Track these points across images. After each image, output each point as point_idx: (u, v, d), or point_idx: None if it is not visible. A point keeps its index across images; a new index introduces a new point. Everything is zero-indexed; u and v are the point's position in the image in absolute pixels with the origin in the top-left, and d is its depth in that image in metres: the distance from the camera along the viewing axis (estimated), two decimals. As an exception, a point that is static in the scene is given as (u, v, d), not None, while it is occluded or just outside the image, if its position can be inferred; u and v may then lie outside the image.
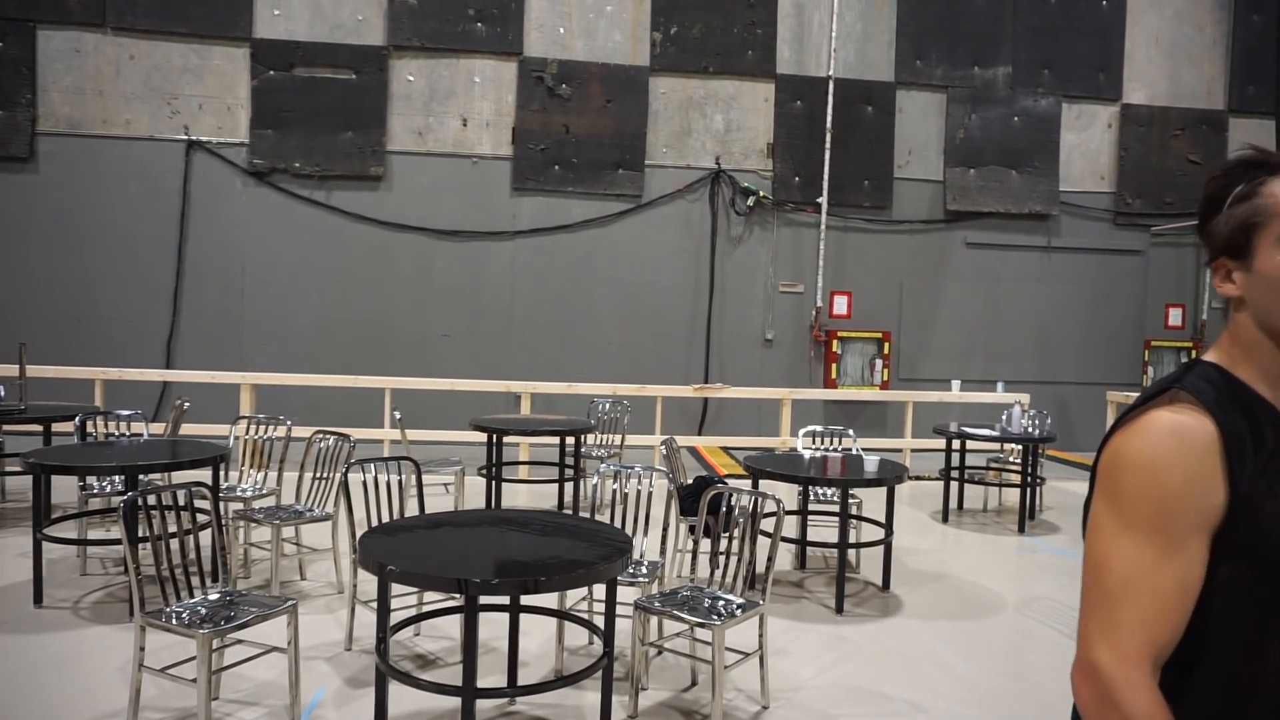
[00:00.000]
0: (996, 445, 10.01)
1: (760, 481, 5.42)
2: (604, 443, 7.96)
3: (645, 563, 4.39)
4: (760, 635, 3.93)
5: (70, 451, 4.93)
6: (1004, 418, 7.50)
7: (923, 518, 7.73)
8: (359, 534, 5.85)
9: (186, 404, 6.59)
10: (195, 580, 4.91)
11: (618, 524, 5.90)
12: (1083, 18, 11.59)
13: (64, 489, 7.45)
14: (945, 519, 7.64)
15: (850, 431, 6.66)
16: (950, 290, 11.62)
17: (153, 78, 10.35)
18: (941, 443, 9.74)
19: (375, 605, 4.69)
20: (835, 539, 5.34)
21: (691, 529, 5.63)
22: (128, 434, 6.05)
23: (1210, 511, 1.19)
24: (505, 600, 4.02)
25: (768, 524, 6.19)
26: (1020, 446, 8.52)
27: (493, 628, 4.70)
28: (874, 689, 4.17)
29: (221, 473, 5.50)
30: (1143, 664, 1.18)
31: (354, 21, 10.52)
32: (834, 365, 11.21)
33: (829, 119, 11.07)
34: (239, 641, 3.89)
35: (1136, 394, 10.17)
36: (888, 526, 5.54)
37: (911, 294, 11.55)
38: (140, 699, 3.67)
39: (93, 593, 5.08)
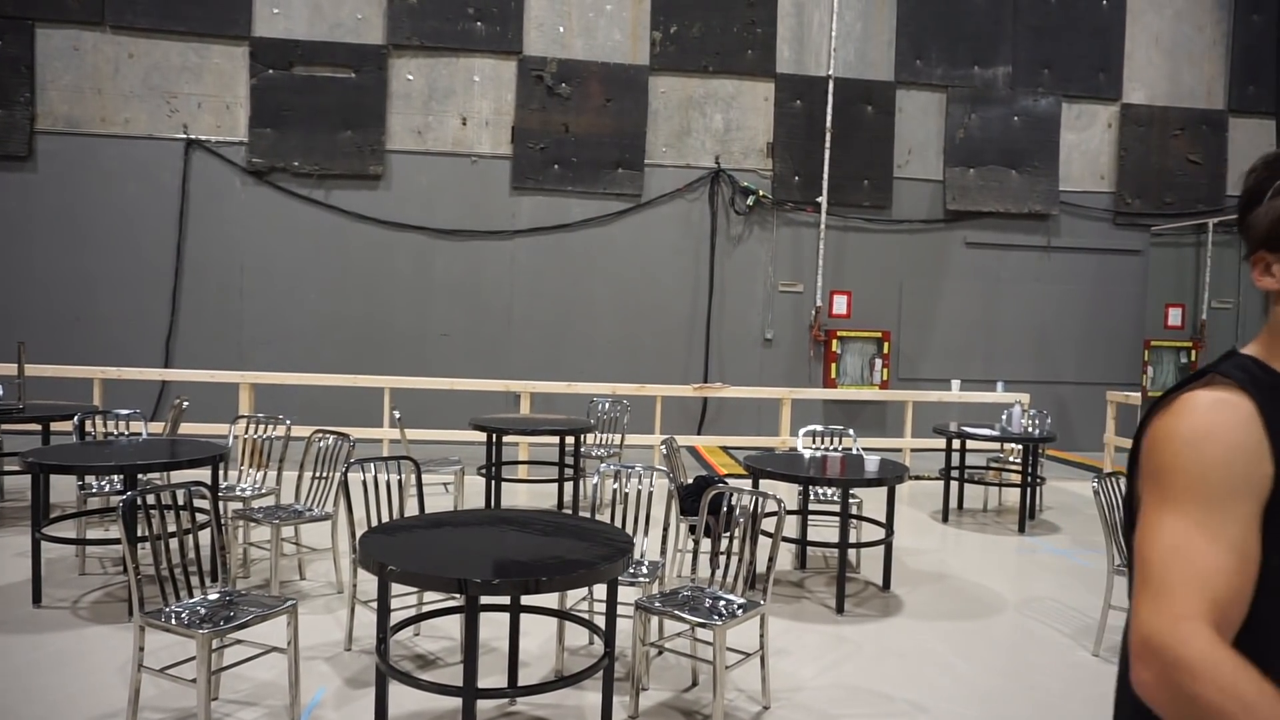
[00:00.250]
0: (996, 445, 10.01)
1: (760, 481, 5.40)
2: (604, 442, 7.95)
3: (646, 563, 4.38)
4: (761, 635, 3.92)
5: (69, 451, 4.91)
6: (1004, 417, 7.50)
7: (923, 518, 7.72)
8: (359, 534, 5.84)
9: (185, 403, 6.58)
10: (194, 580, 4.90)
11: (618, 524, 5.89)
12: (1083, 17, 11.58)
13: (62, 488, 7.44)
14: (945, 519, 7.63)
15: (850, 431, 6.66)
16: (950, 290, 11.62)
17: (152, 76, 10.33)
18: (941, 442, 9.74)
19: (375, 605, 4.68)
20: (835, 539, 5.34)
21: (692, 529, 5.63)
22: (127, 433, 6.04)
23: (1257, 481, 1.15)
24: (505, 600, 4.01)
25: (768, 524, 6.19)
26: (1020, 446, 8.52)
27: (492, 628, 4.69)
28: (875, 689, 4.17)
29: (220, 472, 5.49)
30: (1195, 619, 1.07)
31: (353, 20, 10.50)
32: (833, 365, 11.20)
33: (829, 118, 11.06)
34: (238, 642, 3.88)
35: (1136, 394, 10.18)
36: (888, 526, 5.54)
37: (911, 294, 11.54)
38: (139, 699, 3.66)
39: (91, 592, 5.06)
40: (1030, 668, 4.50)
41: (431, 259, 10.78)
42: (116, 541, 4.97)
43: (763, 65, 11.09)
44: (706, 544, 5.79)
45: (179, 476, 6.77)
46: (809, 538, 5.94)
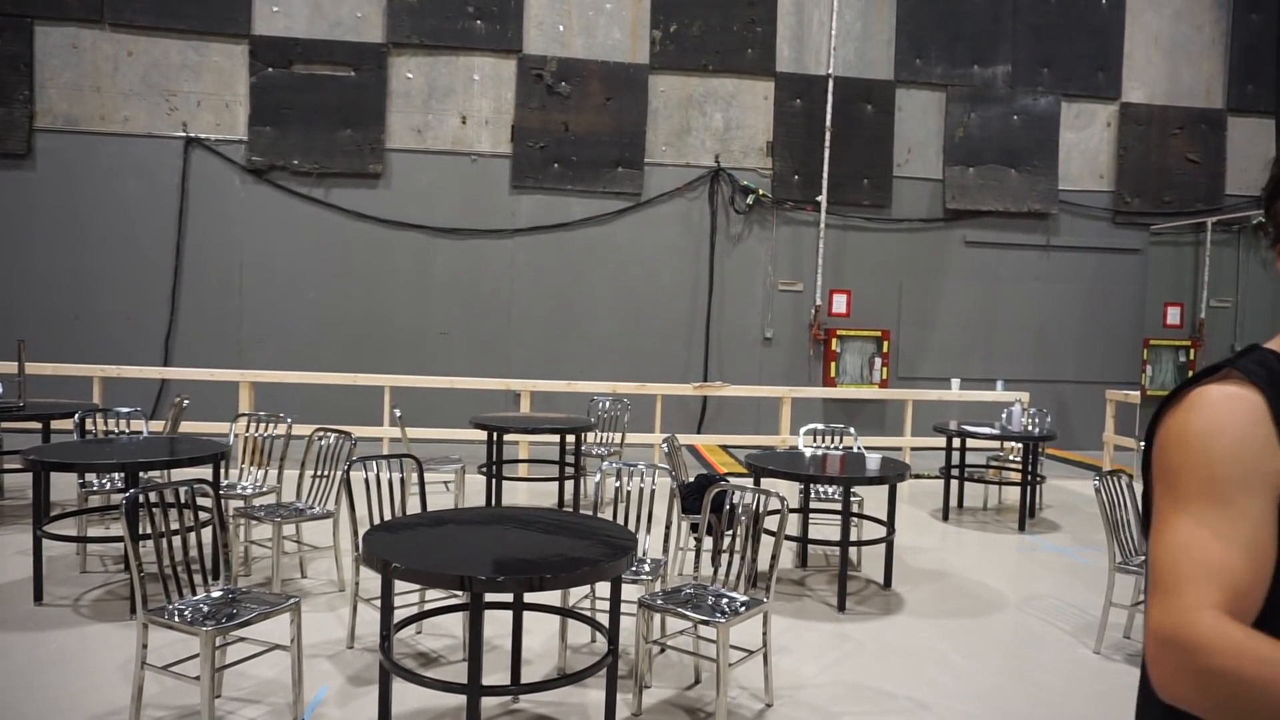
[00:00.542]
0: (996, 444, 10.02)
1: (762, 479, 5.41)
2: (604, 441, 7.95)
3: (648, 561, 4.39)
4: (764, 633, 3.92)
5: (71, 449, 4.91)
6: (1004, 416, 7.50)
7: (923, 516, 7.73)
8: (361, 532, 5.84)
9: (186, 401, 6.57)
10: (196, 578, 4.89)
11: (619, 522, 5.89)
12: (1082, 16, 11.59)
13: (62, 486, 7.43)
14: (945, 517, 7.64)
15: (852, 430, 6.66)
16: (949, 289, 11.62)
17: (151, 74, 10.32)
18: (941, 441, 9.74)
19: (376, 603, 4.68)
20: (837, 537, 5.34)
21: (694, 527, 5.63)
22: (127, 431, 6.03)
23: (1269, 475, 1.13)
24: (508, 598, 4.02)
25: (770, 522, 6.19)
26: (1020, 445, 8.53)
27: (494, 626, 4.69)
28: (877, 686, 4.17)
29: (222, 470, 5.49)
30: (1209, 609, 1.06)
31: (353, 19, 10.50)
32: (833, 364, 11.21)
33: (828, 117, 11.06)
34: (241, 639, 3.88)
35: (1135, 392, 10.20)
36: (889, 525, 5.54)
37: (910, 292, 11.55)
38: (143, 696, 3.65)
39: (92, 590, 5.06)
40: (1031, 665, 4.50)
41: (431, 257, 10.77)
42: (117, 539, 4.97)
43: (762, 64, 11.09)
44: (708, 542, 5.79)
45: (179, 474, 6.76)
46: (810, 536, 5.95)
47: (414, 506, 6.43)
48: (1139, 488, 4.44)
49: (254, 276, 10.57)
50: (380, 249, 10.70)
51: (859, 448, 6.46)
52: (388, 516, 5.36)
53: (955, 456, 9.01)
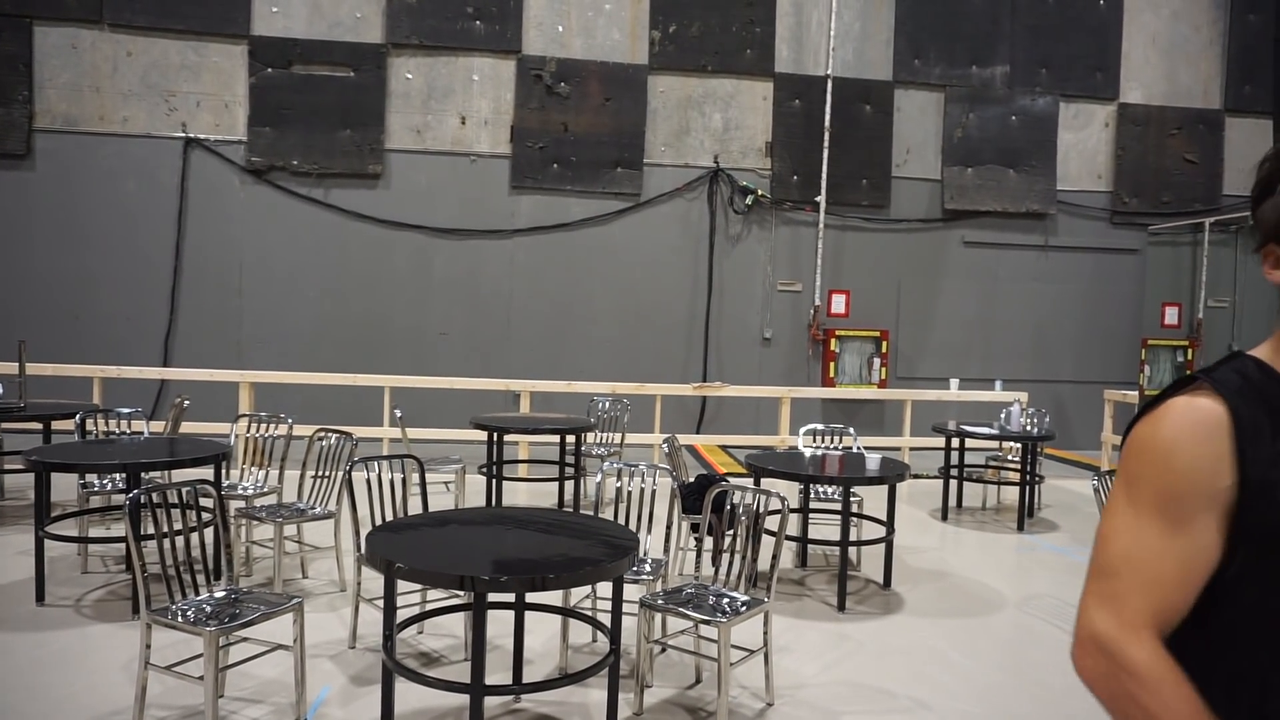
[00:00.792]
0: (995, 444, 10.04)
1: (762, 479, 5.43)
2: (604, 441, 7.96)
3: (649, 560, 4.40)
4: (765, 633, 3.94)
5: (72, 449, 4.92)
6: (1003, 416, 7.52)
7: (922, 516, 7.75)
8: (364, 532, 5.85)
9: (187, 402, 6.58)
10: (199, 578, 4.90)
11: (620, 522, 5.90)
12: (1080, 17, 11.61)
13: (62, 487, 7.44)
14: (945, 517, 7.66)
15: (851, 430, 6.68)
16: (948, 289, 11.65)
17: (150, 75, 10.33)
18: (939, 441, 9.76)
19: (377, 603, 4.70)
20: (836, 537, 5.36)
21: (694, 527, 5.64)
22: (128, 432, 6.04)
23: (1219, 494, 1.19)
24: (510, 598, 4.03)
25: (770, 523, 6.21)
26: (1019, 445, 8.55)
27: (495, 625, 4.70)
28: (877, 686, 4.19)
29: (223, 471, 5.50)
30: (1143, 629, 1.19)
31: (352, 19, 10.50)
32: (832, 364, 11.23)
33: (827, 118, 11.08)
34: (244, 639, 3.89)
35: (1133, 392, 10.22)
36: (889, 524, 5.56)
37: (909, 293, 11.57)
38: (146, 696, 3.66)
39: (94, 590, 5.07)
40: (1031, 664, 4.52)
41: (430, 258, 10.78)
42: (119, 540, 4.98)
43: (761, 65, 11.10)
44: (708, 542, 5.80)
45: (180, 475, 6.77)
46: (810, 536, 5.96)
47: (415, 507, 6.44)
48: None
49: (253, 277, 10.57)
50: (380, 249, 10.71)
51: (858, 448, 6.48)
52: (389, 517, 5.38)
53: (954, 456, 9.05)
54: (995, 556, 6.53)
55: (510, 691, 3.16)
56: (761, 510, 3.90)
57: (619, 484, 4.49)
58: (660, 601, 3.77)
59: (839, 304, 11.42)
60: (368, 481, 4.36)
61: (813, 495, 6.10)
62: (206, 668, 3.27)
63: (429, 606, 4.62)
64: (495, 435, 6.75)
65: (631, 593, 5.16)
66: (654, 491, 4.46)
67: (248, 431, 5.90)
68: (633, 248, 11.06)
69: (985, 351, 11.76)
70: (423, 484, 4.51)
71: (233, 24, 10.33)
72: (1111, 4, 11.65)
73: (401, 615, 4.68)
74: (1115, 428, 10.46)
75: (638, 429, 10.01)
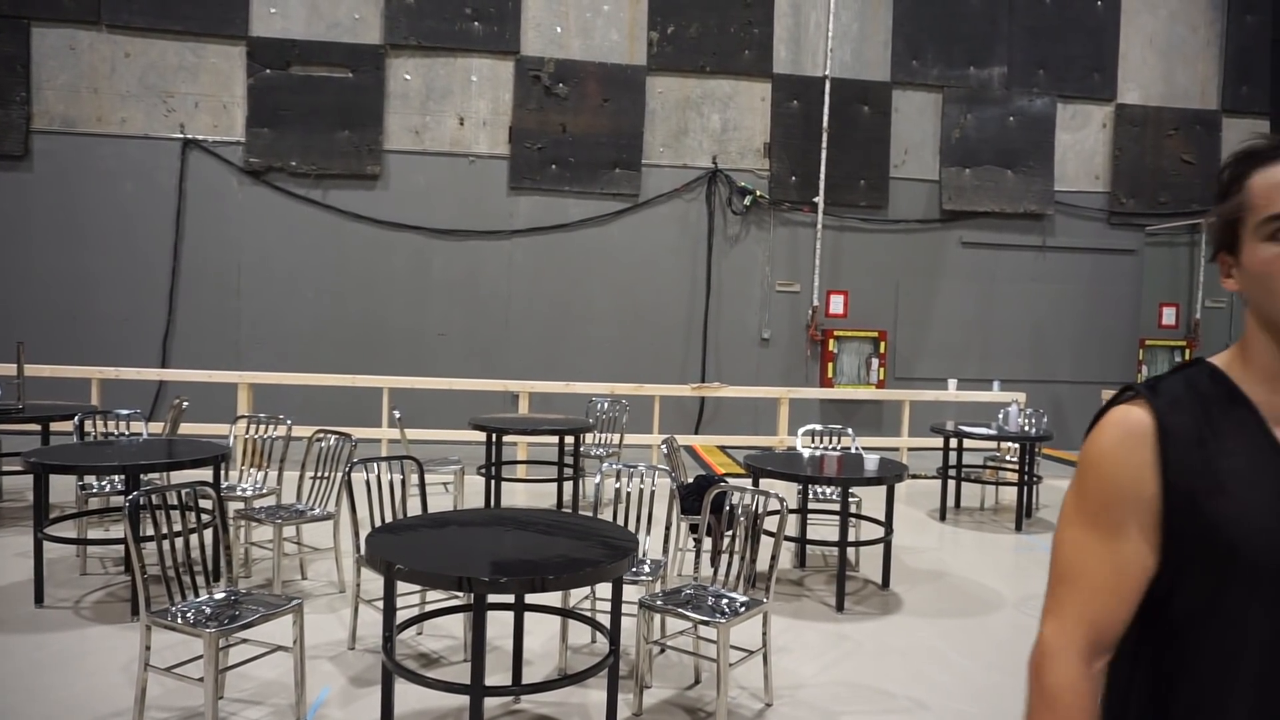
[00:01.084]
0: (993, 444, 10.05)
1: (760, 480, 5.43)
2: (602, 442, 7.97)
3: (648, 561, 4.41)
4: (764, 633, 3.95)
5: (71, 451, 4.92)
6: (1001, 416, 7.53)
7: (920, 516, 7.76)
8: (363, 533, 5.85)
9: (185, 403, 6.58)
10: (198, 579, 4.90)
11: (619, 523, 5.91)
12: (1078, 18, 11.63)
13: (61, 488, 7.43)
14: (943, 517, 7.67)
15: (850, 430, 6.68)
16: (946, 289, 11.66)
17: (148, 76, 10.32)
18: (937, 441, 9.77)
19: (377, 604, 4.70)
20: (835, 537, 5.36)
21: (693, 528, 5.65)
22: (127, 433, 6.04)
23: (1145, 502, 1.23)
24: (510, 599, 4.03)
25: (769, 523, 6.21)
26: (1017, 445, 8.56)
27: (495, 626, 4.71)
28: (876, 686, 4.20)
29: (222, 472, 5.50)
30: (1076, 641, 1.25)
31: (350, 20, 10.51)
32: (830, 364, 11.24)
33: (825, 119, 11.09)
34: (243, 641, 3.89)
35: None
36: (888, 525, 5.57)
37: (907, 293, 11.58)
38: (145, 697, 3.67)
39: (93, 592, 5.07)
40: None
41: (429, 259, 10.78)
42: (117, 541, 4.98)
43: (760, 65, 11.11)
44: (707, 543, 5.81)
45: (180, 476, 6.77)
46: (809, 536, 5.97)
47: (414, 508, 6.44)
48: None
49: (252, 278, 10.57)
50: (378, 250, 10.71)
51: (856, 448, 6.49)
52: (388, 518, 5.38)
53: (952, 457, 9.04)
54: (993, 557, 6.54)
55: (510, 692, 3.17)
56: (760, 511, 3.91)
57: (618, 485, 4.50)
58: (659, 602, 3.78)
59: (837, 304, 11.43)
60: (367, 482, 4.36)
61: (811, 496, 6.11)
62: (206, 669, 3.27)
63: (429, 608, 4.63)
64: (494, 436, 6.76)
65: (631, 593, 5.17)
66: (653, 492, 4.47)
67: (246, 433, 5.91)
68: (631, 248, 11.07)
69: (983, 352, 11.78)
70: (422, 485, 4.51)
71: (231, 25, 10.32)
72: (1109, 5, 11.67)
73: (401, 616, 4.69)
74: (1113, 428, 10.46)
75: (636, 430, 10.02)
